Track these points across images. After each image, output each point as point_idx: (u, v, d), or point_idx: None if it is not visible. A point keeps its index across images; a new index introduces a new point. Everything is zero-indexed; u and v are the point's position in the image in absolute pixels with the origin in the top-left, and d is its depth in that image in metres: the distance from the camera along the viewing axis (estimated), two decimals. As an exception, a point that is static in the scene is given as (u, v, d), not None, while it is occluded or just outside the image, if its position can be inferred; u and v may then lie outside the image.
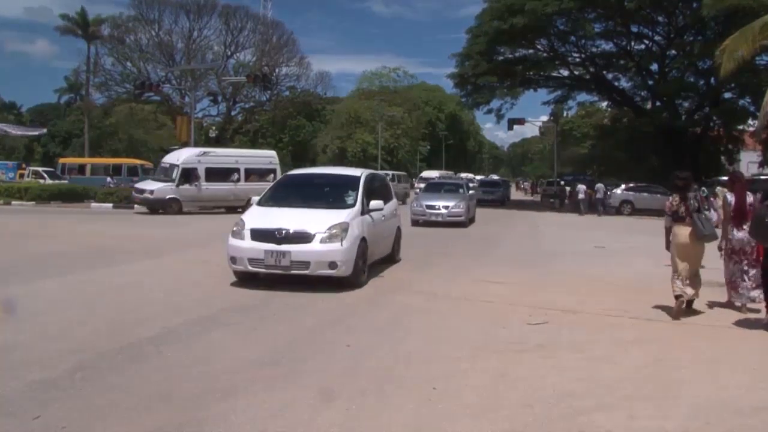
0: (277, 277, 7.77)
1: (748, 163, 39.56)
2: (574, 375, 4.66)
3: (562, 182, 39.45)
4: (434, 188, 21.30)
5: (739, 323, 6.53)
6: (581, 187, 28.49)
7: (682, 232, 6.77)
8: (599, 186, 28.61)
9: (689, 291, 6.75)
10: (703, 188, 15.48)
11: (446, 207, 17.96)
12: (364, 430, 3.64)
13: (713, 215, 7.79)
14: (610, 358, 5.17)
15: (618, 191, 29.54)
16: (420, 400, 4.07)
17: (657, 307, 7.24)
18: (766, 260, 6.47)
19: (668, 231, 7.03)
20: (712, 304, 7.39)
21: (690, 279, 6.81)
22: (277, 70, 42.82)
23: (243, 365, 4.76)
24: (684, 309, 6.78)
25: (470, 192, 21.00)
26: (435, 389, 4.26)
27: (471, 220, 19.64)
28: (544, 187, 45.24)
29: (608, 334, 6.01)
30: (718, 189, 17.67)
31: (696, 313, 6.98)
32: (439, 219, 17.81)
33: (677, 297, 6.74)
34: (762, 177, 27.91)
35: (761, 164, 36.18)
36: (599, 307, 7.14)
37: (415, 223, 17.85)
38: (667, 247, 7.08)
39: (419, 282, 8.81)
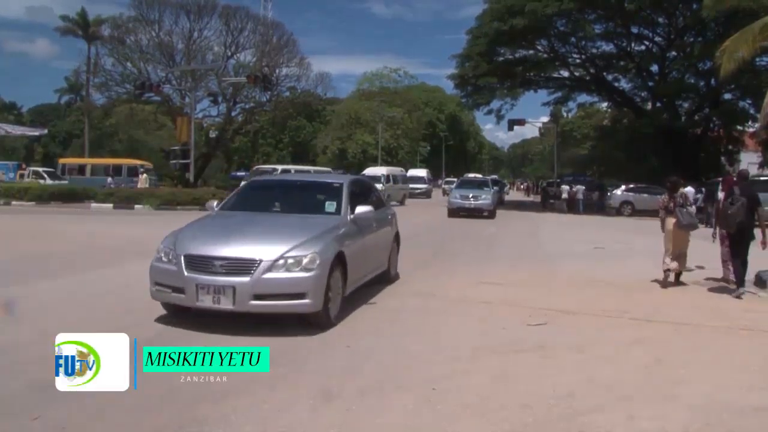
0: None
1: (748, 164, 39.41)
2: (574, 375, 4.66)
3: (544, 184, 44.66)
4: (255, 200, 7.58)
5: (739, 324, 6.53)
6: (564, 188, 32.95)
7: (671, 221, 8.80)
8: (579, 187, 32.13)
9: (674, 265, 8.69)
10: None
11: (255, 264, 5.55)
12: (364, 430, 3.64)
13: (693, 209, 9.50)
14: (610, 358, 5.17)
15: (618, 192, 29.62)
16: (420, 400, 4.07)
17: (657, 307, 7.25)
18: (732, 243, 8.43)
19: (662, 220, 9.12)
20: (709, 279, 9.17)
21: (676, 257, 8.69)
22: (277, 71, 42.68)
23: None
24: (672, 282, 8.79)
25: (363, 210, 6.98)
26: (435, 389, 4.25)
27: (389, 276, 8.43)
28: (544, 187, 45.75)
29: (608, 334, 6.01)
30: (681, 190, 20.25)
31: (682, 284, 8.86)
32: (227, 306, 5.49)
33: (665, 271, 8.73)
34: (762, 178, 27.90)
35: (761, 165, 36.17)
36: (599, 307, 7.14)
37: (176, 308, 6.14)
38: (663, 230, 9.05)
39: (418, 282, 8.80)
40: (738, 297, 8.02)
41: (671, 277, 8.76)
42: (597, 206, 30.12)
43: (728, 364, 5.09)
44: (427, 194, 43.06)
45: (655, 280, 8.91)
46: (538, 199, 44.84)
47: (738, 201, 8.13)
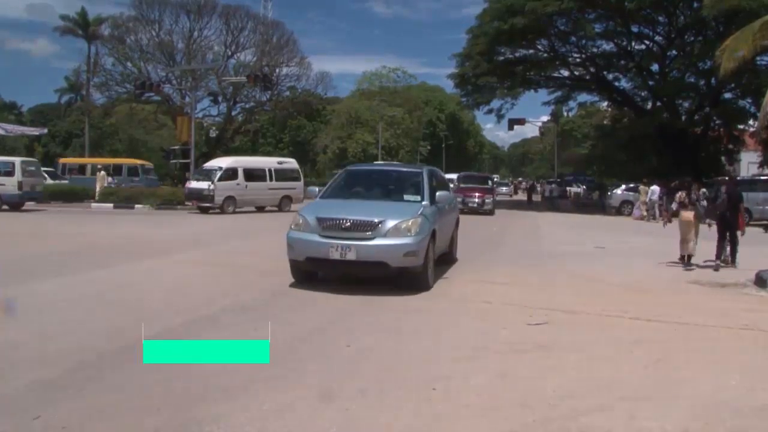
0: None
1: (748, 163, 39.48)
2: (574, 375, 4.66)
3: (529, 183, 50.28)
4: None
5: (739, 323, 6.53)
6: (547, 188, 38.78)
7: (687, 214, 10.89)
8: (554, 186, 37.40)
9: (687, 250, 10.87)
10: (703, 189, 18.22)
11: None
12: (364, 430, 3.64)
13: (705, 203, 11.44)
14: (610, 358, 5.17)
15: (618, 192, 29.63)
16: (420, 400, 4.07)
17: (657, 307, 7.25)
18: (720, 229, 10.84)
19: (668, 211, 12.22)
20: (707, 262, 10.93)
21: (689, 243, 10.83)
22: (277, 71, 42.67)
23: (243, 365, 4.75)
24: (687, 262, 10.85)
25: None
26: (435, 389, 4.25)
27: None
28: (531, 185, 46.63)
29: (608, 334, 6.01)
30: (641, 187, 22.92)
31: (691, 265, 10.77)
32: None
33: (681, 256, 10.98)
34: (762, 177, 27.91)
35: (761, 164, 36.14)
36: (599, 307, 7.14)
37: None
38: (664, 214, 12.83)
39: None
40: (715, 269, 10.38)
41: (686, 258, 10.91)
42: (597, 205, 30.22)
43: (728, 364, 5.09)
44: None
45: (672, 262, 11.10)
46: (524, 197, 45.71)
47: (721, 197, 10.91)
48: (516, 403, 4.03)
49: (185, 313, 6.40)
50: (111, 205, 24.59)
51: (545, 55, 36.19)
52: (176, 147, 31.43)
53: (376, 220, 7.62)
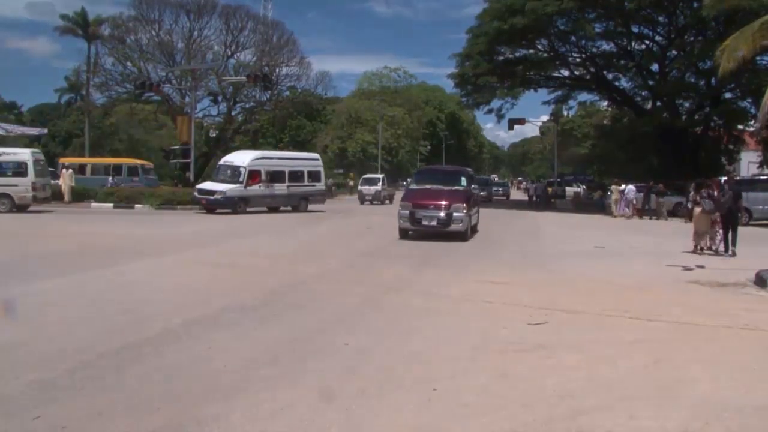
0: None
1: (748, 163, 39.44)
2: (574, 375, 4.66)
3: (527, 183, 54.81)
4: None
5: (739, 323, 6.53)
6: (530, 186, 42.25)
7: (698, 209, 12.90)
8: (538, 185, 40.41)
9: (700, 242, 12.82)
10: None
11: None
12: (364, 430, 3.64)
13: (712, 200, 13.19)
14: (610, 358, 5.16)
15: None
16: (420, 400, 4.07)
17: (657, 306, 7.25)
18: (724, 221, 12.54)
19: (687, 208, 15.15)
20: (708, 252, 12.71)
21: (701, 235, 12.82)
22: (277, 70, 42.65)
23: (243, 365, 4.76)
24: (699, 253, 12.50)
25: None
26: (435, 389, 4.25)
27: None
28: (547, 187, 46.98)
29: (608, 334, 6.01)
30: (613, 187, 24.01)
31: (704, 254, 12.54)
32: None
33: (695, 246, 12.81)
34: (762, 177, 27.90)
35: (761, 164, 36.12)
36: (599, 307, 7.14)
37: None
38: (688, 212, 16.11)
39: (419, 282, 8.80)
40: (732, 255, 11.97)
41: (698, 249, 12.65)
42: (598, 205, 30.22)
43: (728, 364, 5.09)
44: (226, 207, 22.26)
45: (686, 251, 12.61)
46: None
47: (727, 194, 12.51)
48: (516, 403, 4.03)
49: (185, 313, 6.40)
50: (110, 205, 24.61)
51: (545, 54, 36.18)
52: (176, 147, 31.43)
53: None
